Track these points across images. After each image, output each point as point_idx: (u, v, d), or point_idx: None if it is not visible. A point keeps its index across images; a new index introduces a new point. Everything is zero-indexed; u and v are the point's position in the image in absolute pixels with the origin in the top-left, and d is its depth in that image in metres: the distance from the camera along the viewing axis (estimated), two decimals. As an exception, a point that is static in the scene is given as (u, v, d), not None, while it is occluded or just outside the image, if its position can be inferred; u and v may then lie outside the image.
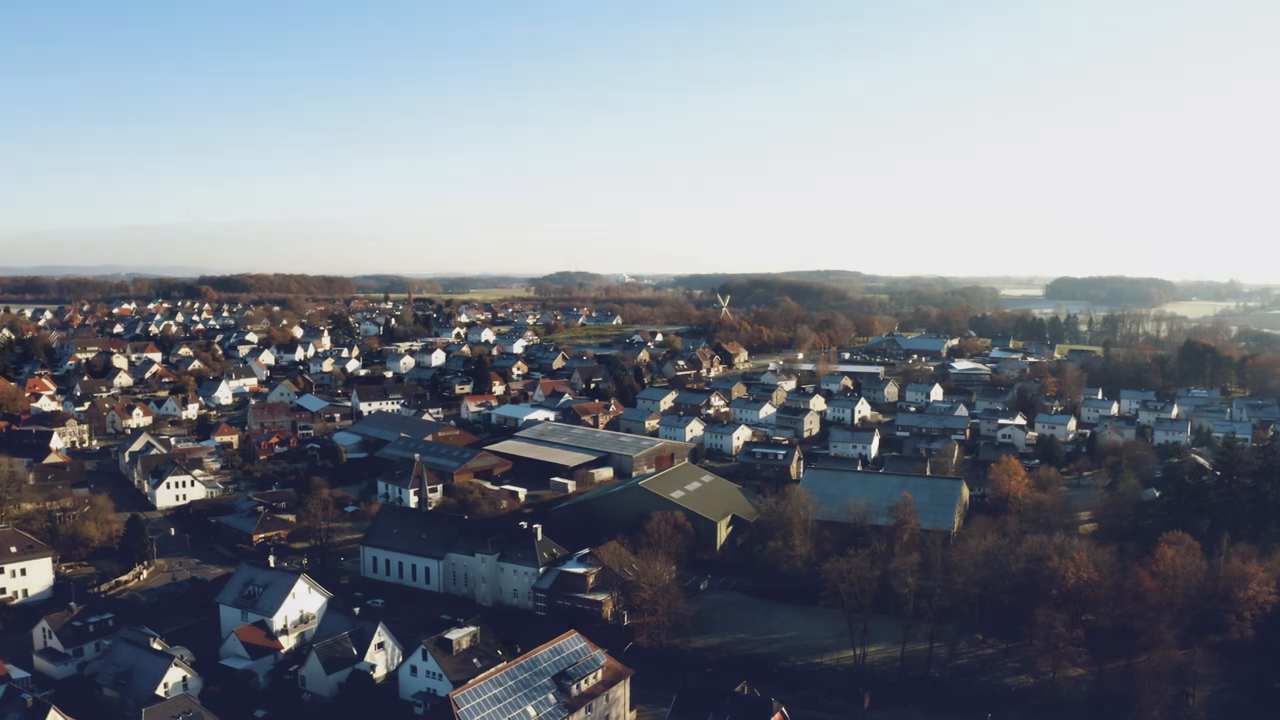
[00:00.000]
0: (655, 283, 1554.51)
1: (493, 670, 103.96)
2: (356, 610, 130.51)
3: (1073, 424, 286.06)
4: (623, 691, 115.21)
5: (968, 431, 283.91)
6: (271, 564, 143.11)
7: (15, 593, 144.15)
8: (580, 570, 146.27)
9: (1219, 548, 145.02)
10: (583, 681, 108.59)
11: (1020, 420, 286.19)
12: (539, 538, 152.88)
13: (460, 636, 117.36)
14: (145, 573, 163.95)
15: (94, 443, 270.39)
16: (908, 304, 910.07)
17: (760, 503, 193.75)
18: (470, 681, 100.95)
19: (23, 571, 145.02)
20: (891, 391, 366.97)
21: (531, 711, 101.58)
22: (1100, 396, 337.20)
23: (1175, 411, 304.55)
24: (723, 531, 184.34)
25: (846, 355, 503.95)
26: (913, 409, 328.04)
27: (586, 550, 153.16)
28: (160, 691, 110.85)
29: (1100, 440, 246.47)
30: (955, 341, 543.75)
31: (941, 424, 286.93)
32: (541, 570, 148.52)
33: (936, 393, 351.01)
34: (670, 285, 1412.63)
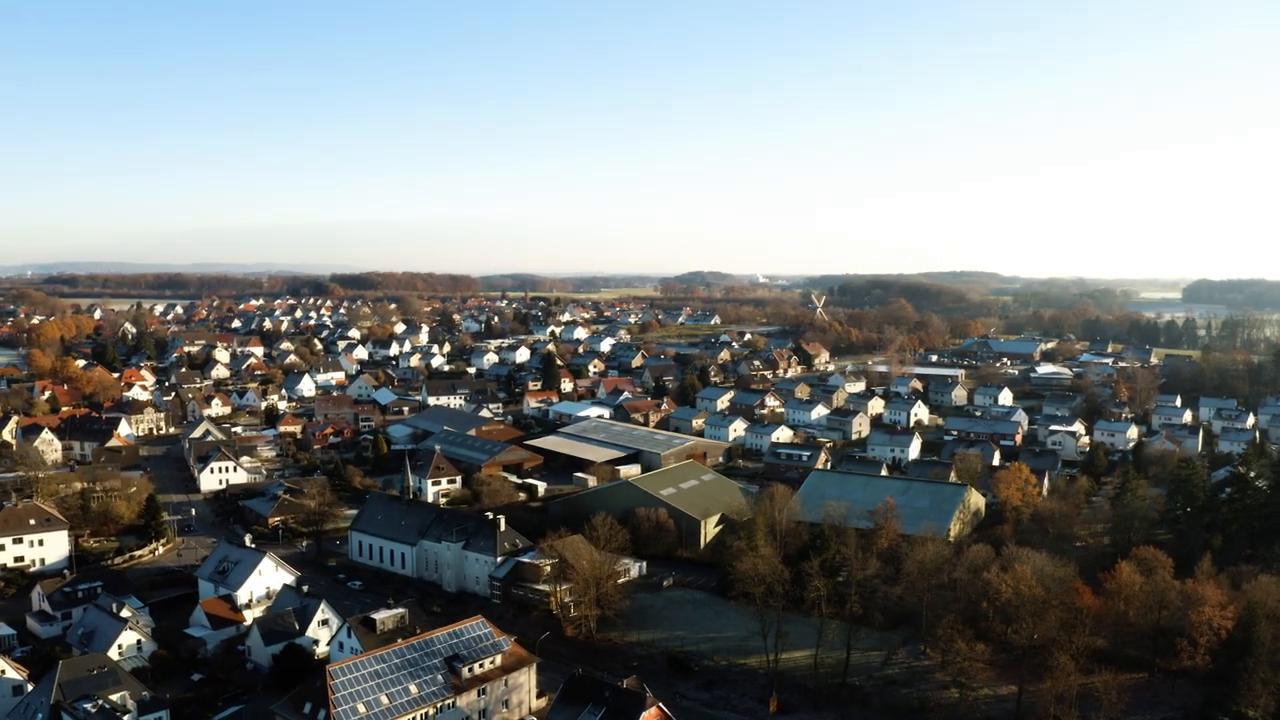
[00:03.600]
0: (788, 283, 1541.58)
1: (380, 648, 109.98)
2: (304, 588, 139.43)
3: (1133, 431, 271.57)
4: (526, 678, 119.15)
5: (1018, 437, 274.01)
6: (248, 543, 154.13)
7: (33, 561, 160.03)
8: (533, 561, 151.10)
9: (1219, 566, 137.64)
10: (476, 665, 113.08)
11: (1076, 426, 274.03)
12: (501, 529, 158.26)
13: (386, 617, 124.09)
14: (161, 549, 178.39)
15: (170, 430, 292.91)
16: (1032, 305, 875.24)
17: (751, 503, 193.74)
18: (351, 657, 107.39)
19: (40, 542, 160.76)
20: (961, 395, 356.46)
21: (414, 689, 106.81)
22: (1178, 403, 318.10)
23: (1250, 421, 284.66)
24: (710, 530, 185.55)
25: (934, 358, 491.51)
26: (978, 413, 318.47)
27: (550, 543, 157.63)
28: (113, 652, 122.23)
29: (1146, 449, 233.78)
30: (1051, 345, 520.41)
31: (990, 429, 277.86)
32: (499, 560, 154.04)
33: (1005, 397, 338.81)
34: (800, 286, 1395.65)
